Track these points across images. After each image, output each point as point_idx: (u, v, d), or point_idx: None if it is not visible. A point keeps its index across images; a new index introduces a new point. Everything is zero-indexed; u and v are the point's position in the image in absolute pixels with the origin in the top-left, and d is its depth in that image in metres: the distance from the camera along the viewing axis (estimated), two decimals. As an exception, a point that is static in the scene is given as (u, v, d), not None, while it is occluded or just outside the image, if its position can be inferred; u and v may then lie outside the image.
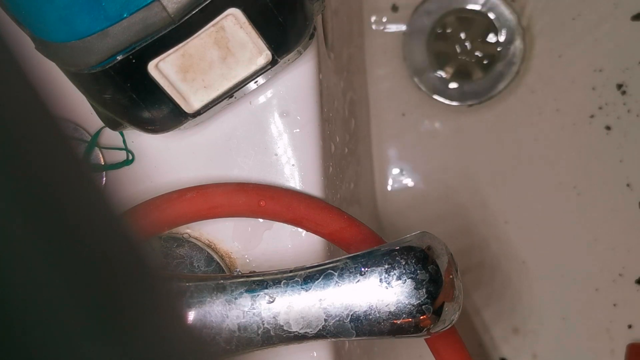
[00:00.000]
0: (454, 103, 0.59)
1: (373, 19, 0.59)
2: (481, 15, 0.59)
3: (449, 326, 0.33)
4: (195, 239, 0.37)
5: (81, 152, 0.37)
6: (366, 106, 0.59)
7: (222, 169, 0.37)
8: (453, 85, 0.59)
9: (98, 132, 0.37)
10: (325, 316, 0.32)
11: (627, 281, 0.58)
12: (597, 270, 0.58)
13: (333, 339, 0.33)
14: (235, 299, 0.33)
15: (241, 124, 0.37)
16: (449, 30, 0.60)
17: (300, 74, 0.37)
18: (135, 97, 0.32)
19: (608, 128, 0.58)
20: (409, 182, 0.59)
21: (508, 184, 0.59)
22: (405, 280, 0.32)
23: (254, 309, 0.33)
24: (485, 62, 0.60)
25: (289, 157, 0.37)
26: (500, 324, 0.59)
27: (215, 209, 0.36)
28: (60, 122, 0.14)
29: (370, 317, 0.32)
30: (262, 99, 0.37)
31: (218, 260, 0.37)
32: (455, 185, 0.59)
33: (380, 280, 0.32)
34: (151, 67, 0.31)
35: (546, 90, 0.58)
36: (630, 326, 0.58)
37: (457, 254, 0.35)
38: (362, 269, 0.32)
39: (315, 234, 0.36)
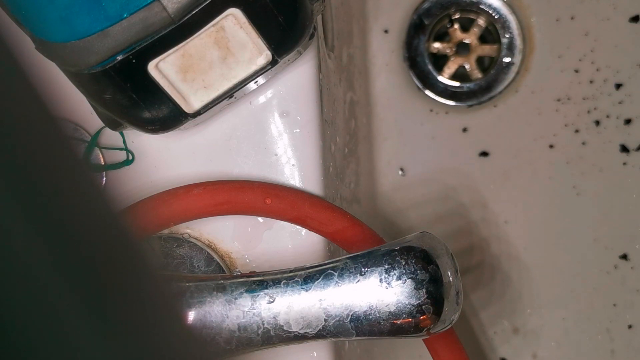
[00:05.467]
0: (454, 103, 0.59)
1: (373, 19, 0.59)
2: (481, 15, 0.59)
3: (449, 326, 0.33)
4: (195, 239, 0.37)
5: (81, 152, 0.37)
6: (366, 106, 0.59)
7: (222, 169, 0.37)
8: (453, 85, 0.59)
9: (98, 132, 0.37)
10: (325, 316, 0.32)
11: (628, 281, 0.58)
12: (597, 270, 0.58)
13: (333, 339, 0.33)
14: (235, 299, 0.33)
15: (241, 124, 0.37)
16: (448, 31, 0.60)
17: (300, 74, 0.37)
18: (135, 97, 0.32)
19: (606, 128, 0.58)
20: (409, 182, 0.59)
21: (508, 184, 0.59)
22: (405, 280, 0.32)
23: (254, 309, 0.33)
24: (485, 62, 0.60)
25: (289, 157, 0.37)
26: (500, 324, 0.59)
27: (221, 206, 0.36)
28: (60, 122, 0.14)
29: (370, 317, 0.32)
30: (262, 99, 0.37)
31: (218, 260, 0.37)
32: (455, 185, 0.59)
33: (380, 280, 0.32)
34: (151, 67, 0.31)
35: (546, 91, 0.58)
36: (630, 326, 0.58)
37: (457, 254, 0.35)
38: (362, 269, 0.32)
39: (318, 233, 0.36)
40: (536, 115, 0.59)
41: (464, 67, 0.59)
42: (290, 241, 0.37)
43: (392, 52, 0.60)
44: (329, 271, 0.32)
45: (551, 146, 0.59)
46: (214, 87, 0.33)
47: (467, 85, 0.59)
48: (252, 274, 0.34)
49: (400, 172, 0.59)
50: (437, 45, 0.59)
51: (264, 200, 0.36)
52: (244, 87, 0.33)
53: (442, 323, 0.32)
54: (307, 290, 0.32)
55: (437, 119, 0.59)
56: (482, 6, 0.58)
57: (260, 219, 0.37)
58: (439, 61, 0.60)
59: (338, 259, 0.33)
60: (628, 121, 0.58)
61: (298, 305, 0.32)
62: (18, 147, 0.13)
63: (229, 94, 0.33)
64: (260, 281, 0.33)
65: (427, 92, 0.59)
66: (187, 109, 0.33)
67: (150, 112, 0.32)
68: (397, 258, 0.32)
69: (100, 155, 0.38)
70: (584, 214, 0.58)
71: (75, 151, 0.15)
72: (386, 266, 0.32)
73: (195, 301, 0.33)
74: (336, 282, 0.32)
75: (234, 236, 0.37)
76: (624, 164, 0.58)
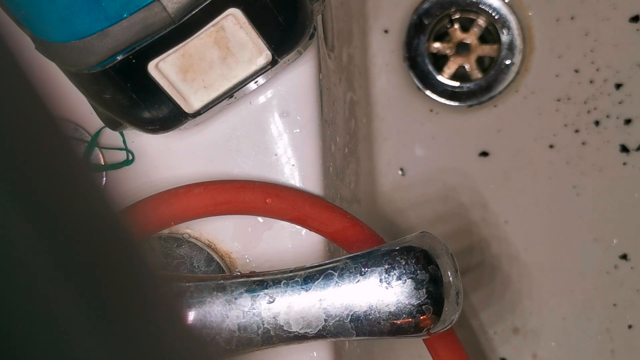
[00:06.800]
0: (454, 103, 0.59)
1: (373, 19, 0.59)
2: (481, 15, 0.59)
3: (449, 326, 0.33)
4: (195, 239, 0.37)
5: (81, 152, 0.37)
6: (366, 106, 0.59)
7: (222, 169, 0.37)
8: (453, 85, 0.59)
9: (98, 132, 0.37)
10: (325, 316, 0.32)
11: (628, 281, 0.58)
12: (597, 270, 0.58)
13: (333, 339, 0.33)
14: (235, 299, 0.33)
15: (241, 124, 0.37)
16: (448, 31, 0.60)
17: (300, 74, 0.37)
18: (135, 97, 0.32)
19: (606, 128, 0.58)
20: (409, 182, 0.59)
21: (508, 184, 0.59)
22: (405, 280, 0.32)
23: (254, 309, 0.33)
24: (485, 62, 0.60)
25: (289, 157, 0.37)
26: (500, 324, 0.59)
27: (221, 205, 0.36)
28: (60, 122, 0.14)
29: (370, 317, 0.32)
30: (262, 99, 0.37)
31: (218, 260, 0.37)
32: (455, 185, 0.59)
33: (380, 280, 0.32)
34: (151, 67, 0.31)
35: (546, 91, 0.58)
36: (630, 326, 0.58)
37: (457, 254, 0.35)
38: (362, 269, 0.32)
39: (319, 233, 0.36)
40: (536, 115, 0.59)
41: (464, 67, 0.59)
42: (290, 241, 0.37)
43: (392, 52, 0.60)
44: (329, 271, 0.32)
45: (551, 146, 0.59)
46: (214, 87, 0.33)
47: (467, 85, 0.59)
48: (252, 274, 0.34)
49: (400, 172, 0.59)
50: (437, 45, 0.59)
51: (265, 200, 0.36)
52: (244, 87, 0.33)
53: (442, 323, 0.32)
54: (307, 290, 0.32)
55: (437, 119, 0.59)
56: (482, 6, 0.58)
57: (260, 219, 0.37)
58: (439, 61, 0.60)
59: (338, 259, 0.33)
60: (628, 121, 0.58)
61: (298, 305, 0.32)
62: (18, 147, 0.13)
63: (229, 94, 0.33)
64: (260, 281, 0.33)
65: (427, 92, 0.59)
66: (187, 109, 0.33)
67: (150, 112, 0.32)
68: (397, 258, 0.32)
69: (100, 155, 0.38)
70: (584, 214, 0.58)
71: (75, 151, 0.15)
72: (386, 266, 0.32)
73: (195, 301, 0.33)
74: (336, 282, 0.32)
75: (234, 236, 0.37)
76: (624, 164, 0.58)
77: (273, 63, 0.33)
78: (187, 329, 0.18)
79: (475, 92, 0.59)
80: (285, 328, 0.32)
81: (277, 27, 0.32)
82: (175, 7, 0.30)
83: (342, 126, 0.47)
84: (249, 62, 0.32)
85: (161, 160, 0.38)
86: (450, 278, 0.32)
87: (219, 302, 0.33)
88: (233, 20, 0.31)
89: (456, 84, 0.59)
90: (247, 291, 0.33)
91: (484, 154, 0.59)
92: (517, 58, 0.58)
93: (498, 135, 0.59)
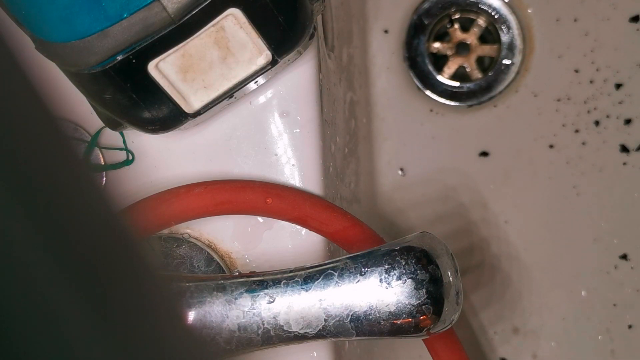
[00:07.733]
0: (454, 103, 0.59)
1: (373, 19, 0.59)
2: (481, 15, 0.59)
3: (449, 326, 0.33)
4: (195, 239, 0.37)
5: (81, 152, 0.37)
6: (366, 106, 0.59)
7: (222, 169, 0.37)
8: (453, 85, 0.59)
9: (98, 132, 0.37)
10: (325, 316, 0.32)
11: (628, 281, 0.58)
12: (597, 270, 0.58)
13: (333, 339, 0.33)
14: (235, 299, 0.33)
15: (241, 124, 0.37)
16: (448, 31, 0.60)
17: (300, 74, 0.37)
18: (135, 97, 0.32)
19: (606, 128, 0.58)
20: (409, 182, 0.59)
21: (508, 184, 0.59)
22: (405, 280, 0.32)
23: (254, 309, 0.33)
24: (485, 62, 0.60)
25: (289, 157, 0.37)
26: (500, 324, 0.59)
27: (222, 205, 0.36)
28: (60, 122, 0.14)
29: (370, 317, 0.32)
30: (262, 99, 0.37)
31: (218, 260, 0.37)
32: (455, 185, 0.59)
33: (380, 280, 0.32)
34: (151, 67, 0.31)
35: (546, 91, 0.58)
36: (630, 326, 0.58)
37: (457, 254, 0.35)
38: (362, 269, 0.32)
39: (319, 233, 0.36)
40: (536, 115, 0.59)
41: (464, 67, 0.59)
42: (290, 241, 0.37)
43: (392, 52, 0.59)
44: (329, 271, 0.32)
45: (551, 146, 0.59)
46: (214, 87, 0.33)
47: (467, 85, 0.59)
48: (252, 274, 0.34)
49: (400, 172, 0.59)
50: (437, 45, 0.59)
51: (265, 200, 0.36)
52: (244, 87, 0.33)
53: (442, 323, 0.32)
54: (307, 290, 0.32)
55: (437, 119, 0.59)
56: (482, 6, 0.58)
57: (260, 218, 0.37)
58: (439, 61, 0.60)
59: (338, 259, 0.33)
60: (628, 121, 0.58)
61: (298, 305, 0.32)
62: (18, 147, 0.13)
63: (229, 94, 0.33)
64: (260, 281, 0.33)
65: (427, 92, 0.59)
66: (187, 109, 0.33)
67: (150, 112, 0.32)
68: (397, 258, 0.32)
69: (100, 155, 0.38)
70: (584, 214, 0.58)
71: (75, 151, 0.15)
72: (386, 266, 0.32)
73: (195, 301, 0.33)
74: (336, 282, 0.32)
75: (234, 236, 0.37)
76: (624, 164, 0.58)
77: (273, 63, 0.33)
78: (187, 329, 0.18)
79: (475, 92, 0.59)
80: (285, 328, 0.32)
81: (277, 27, 0.32)
82: (175, 7, 0.30)
83: (342, 126, 0.47)
84: (249, 62, 0.32)
85: (161, 160, 0.38)
86: (450, 278, 0.32)
87: (219, 302, 0.33)
88: (233, 20, 0.31)
89: (456, 84, 0.59)
90: (247, 291, 0.33)
91: (484, 154, 0.59)
92: (517, 58, 0.58)
93: (498, 135, 0.59)
